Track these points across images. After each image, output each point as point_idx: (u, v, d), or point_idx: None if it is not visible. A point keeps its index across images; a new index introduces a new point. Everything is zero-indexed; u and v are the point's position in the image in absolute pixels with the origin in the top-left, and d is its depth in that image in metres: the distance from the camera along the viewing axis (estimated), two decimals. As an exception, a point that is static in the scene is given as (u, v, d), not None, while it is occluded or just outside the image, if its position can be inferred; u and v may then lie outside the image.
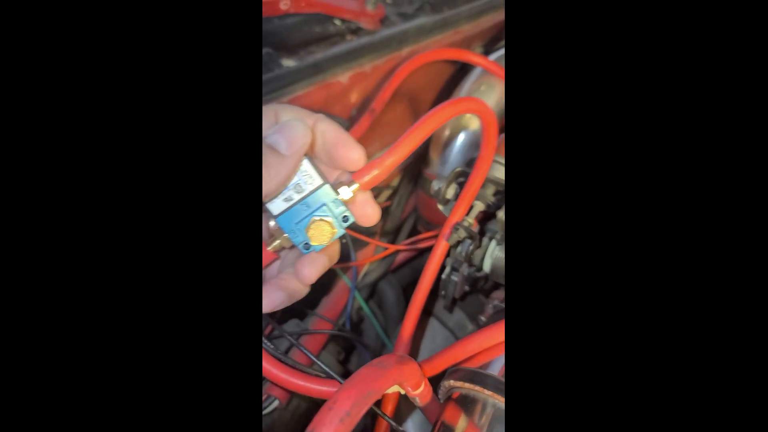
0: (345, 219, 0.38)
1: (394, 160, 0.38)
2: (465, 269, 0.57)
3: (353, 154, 0.37)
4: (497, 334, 0.41)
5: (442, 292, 0.63)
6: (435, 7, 0.87)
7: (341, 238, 0.71)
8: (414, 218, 0.84)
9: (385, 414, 0.46)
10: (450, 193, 0.56)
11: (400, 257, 0.79)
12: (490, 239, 0.57)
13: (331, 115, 0.64)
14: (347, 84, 0.68)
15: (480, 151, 0.51)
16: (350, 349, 0.72)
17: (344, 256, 0.68)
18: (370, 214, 0.40)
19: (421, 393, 0.41)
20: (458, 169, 0.55)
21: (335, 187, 0.37)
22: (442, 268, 0.60)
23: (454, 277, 0.61)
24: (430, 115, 0.40)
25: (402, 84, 0.73)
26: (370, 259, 0.71)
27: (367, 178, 0.38)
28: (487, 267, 0.58)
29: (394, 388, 0.41)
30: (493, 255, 0.57)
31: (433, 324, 0.74)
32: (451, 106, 0.42)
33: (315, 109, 0.39)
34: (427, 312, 0.75)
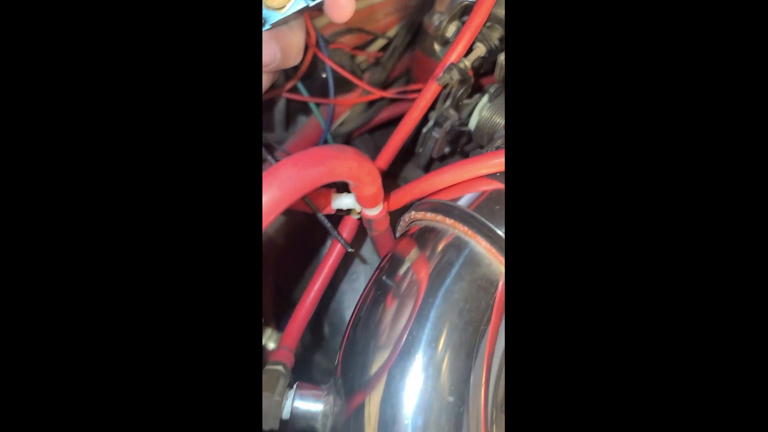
0: None
1: None
2: (448, 124, 0.53)
3: None
4: (472, 167, 0.37)
5: (420, 148, 0.59)
6: None
7: (322, 72, 0.65)
8: (405, 80, 0.78)
9: (340, 235, 0.43)
10: (450, 30, 0.50)
11: (382, 116, 0.73)
12: (483, 94, 0.52)
13: None
14: None
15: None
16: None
17: (323, 93, 0.63)
18: (342, 2, 0.32)
19: (377, 216, 0.38)
20: (465, 2, 0.49)
21: None
22: (426, 122, 0.56)
23: (435, 134, 0.56)
24: None
25: None
26: (351, 100, 0.65)
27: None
28: (472, 124, 0.53)
29: (348, 203, 0.38)
30: (482, 113, 0.52)
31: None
32: None
33: None
34: (395, 176, 0.71)
